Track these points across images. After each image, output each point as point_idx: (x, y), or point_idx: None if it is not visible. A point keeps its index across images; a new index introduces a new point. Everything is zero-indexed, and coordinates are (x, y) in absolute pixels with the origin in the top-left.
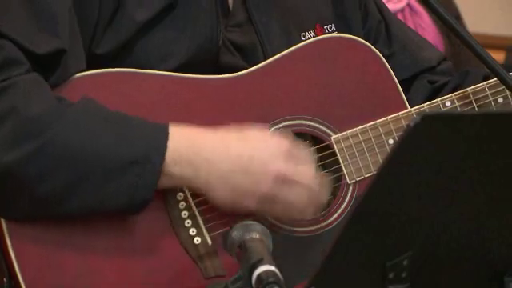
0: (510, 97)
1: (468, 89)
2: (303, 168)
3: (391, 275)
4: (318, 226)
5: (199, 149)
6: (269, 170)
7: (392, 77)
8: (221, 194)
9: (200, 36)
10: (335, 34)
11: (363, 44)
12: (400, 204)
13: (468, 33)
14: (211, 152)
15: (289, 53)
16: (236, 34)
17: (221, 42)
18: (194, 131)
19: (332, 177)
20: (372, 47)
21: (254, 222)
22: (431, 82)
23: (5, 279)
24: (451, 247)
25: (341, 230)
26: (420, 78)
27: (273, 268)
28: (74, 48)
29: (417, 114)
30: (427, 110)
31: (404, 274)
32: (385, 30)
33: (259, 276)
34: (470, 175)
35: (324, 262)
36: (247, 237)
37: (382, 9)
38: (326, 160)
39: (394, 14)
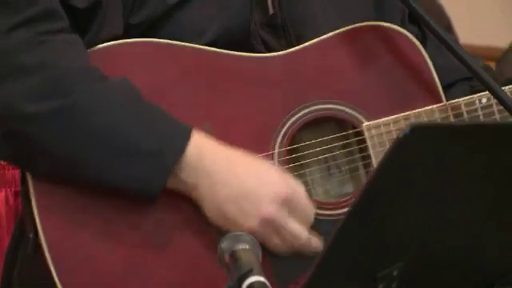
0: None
1: (506, 87)
2: (293, 221)
3: (381, 286)
4: (341, 211)
5: (209, 162)
6: (260, 211)
7: (430, 69)
8: (211, 214)
9: (231, 18)
10: (374, 23)
11: (402, 33)
12: (393, 212)
13: (457, 42)
14: (216, 171)
15: (327, 38)
16: (269, 35)
17: (253, 25)
18: (211, 145)
19: (360, 163)
20: (411, 37)
21: (244, 233)
22: (473, 87)
23: (31, 235)
24: (442, 256)
25: (333, 234)
26: (461, 84)
27: (262, 279)
28: (111, 6)
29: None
30: (462, 105)
31: (394, 285)
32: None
33: (249, 287)
34: (463, 184)
35: (317, 265)
36: (236, 247)
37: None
38: (355, 146)
39: None
